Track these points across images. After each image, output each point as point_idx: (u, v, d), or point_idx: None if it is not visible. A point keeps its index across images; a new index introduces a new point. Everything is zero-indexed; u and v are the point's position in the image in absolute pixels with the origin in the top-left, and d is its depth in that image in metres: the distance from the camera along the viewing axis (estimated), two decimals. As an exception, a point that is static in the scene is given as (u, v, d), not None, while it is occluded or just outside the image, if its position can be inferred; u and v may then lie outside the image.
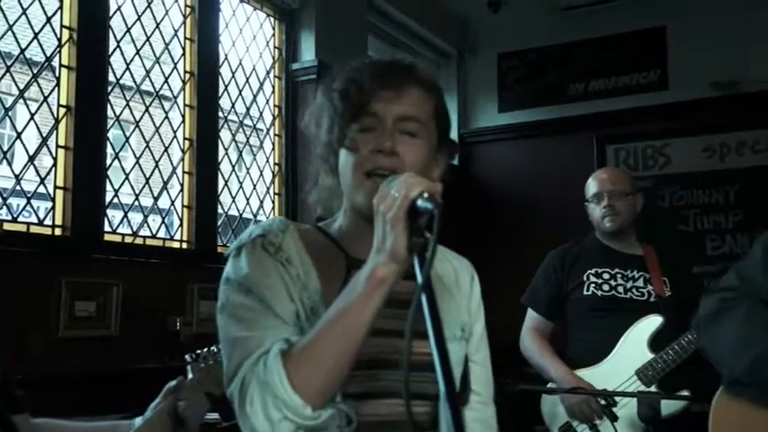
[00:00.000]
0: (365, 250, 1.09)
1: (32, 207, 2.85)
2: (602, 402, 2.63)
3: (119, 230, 3.18)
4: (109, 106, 3.08)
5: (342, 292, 1.10)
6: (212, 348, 1.64)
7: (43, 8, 2.89)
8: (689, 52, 4.67)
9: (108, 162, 3.07)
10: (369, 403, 1.16)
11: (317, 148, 1.29)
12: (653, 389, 2.62)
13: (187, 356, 1.61)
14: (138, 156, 3.30)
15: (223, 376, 1.13)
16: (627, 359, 2.66)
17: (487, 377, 1.38)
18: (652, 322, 2.68)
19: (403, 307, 0.97)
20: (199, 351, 1.63)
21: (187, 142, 3.47)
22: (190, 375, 1.60)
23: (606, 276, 2.79)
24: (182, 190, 3.45)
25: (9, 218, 2.78)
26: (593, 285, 2.78)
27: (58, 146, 2.89)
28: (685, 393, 2.56)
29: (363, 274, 1.06)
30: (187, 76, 3.50)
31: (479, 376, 1.36)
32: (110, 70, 3.11)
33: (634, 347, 2.67)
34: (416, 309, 0.95)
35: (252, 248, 1.19)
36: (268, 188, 4.01)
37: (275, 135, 4.05)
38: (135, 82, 3.33)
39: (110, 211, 3.10)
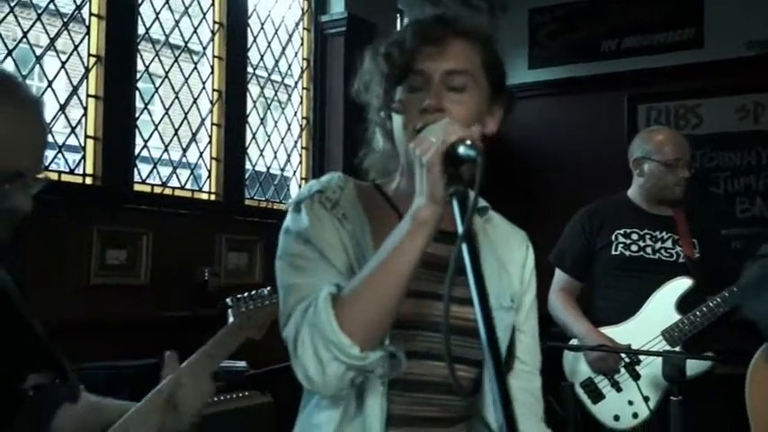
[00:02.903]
0: None
1: (64, 157, 2.88)
2: (626, 360, 2.63)
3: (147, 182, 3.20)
4: (138, 58, 3.08)
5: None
6: (253, 293, 1.62)
7: (73, -44, 2.87)
8: (725, 10, 4.54)
9: (137, 114, 3.08)
10: (410, 363, 1.16)
11: (370, 114, 1.31)
12: (678, 350, 2.62)
13: (228, 300, 1.60)
14: (166, 108, 3.30)
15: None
16: (653, 319, 2.65)
17: (535, 348, 1.38)
18: (682, 284, 2.65)
19: (446, 271, 0.97)
20: (239, 295, 1.61)
21: (216, 94, 3.46)
22: (230, 319, 1.58)
23: (635, 237, 2.75)
24: (210, 142, 3.46)
25: (40, 167, 2.81)
26: (621, 245, 2.75)
27: (88, 95, 2.90)
28: (710, 354, 2.55)
29: (407, 218, 1.08)
30: (216, 27, 3.49)
31: (527, 346, 1.35)
32: (139, 21, 3.10)
33: (661, 308, 2.65)
34: (458, 259, 0.94)
35: (311, 203, 1.22)
36: (295, 143, 4.00)
37: (303, 89, 4.03)
38: (165, 33, 3.32)
39: (138, 164, 3.12)
